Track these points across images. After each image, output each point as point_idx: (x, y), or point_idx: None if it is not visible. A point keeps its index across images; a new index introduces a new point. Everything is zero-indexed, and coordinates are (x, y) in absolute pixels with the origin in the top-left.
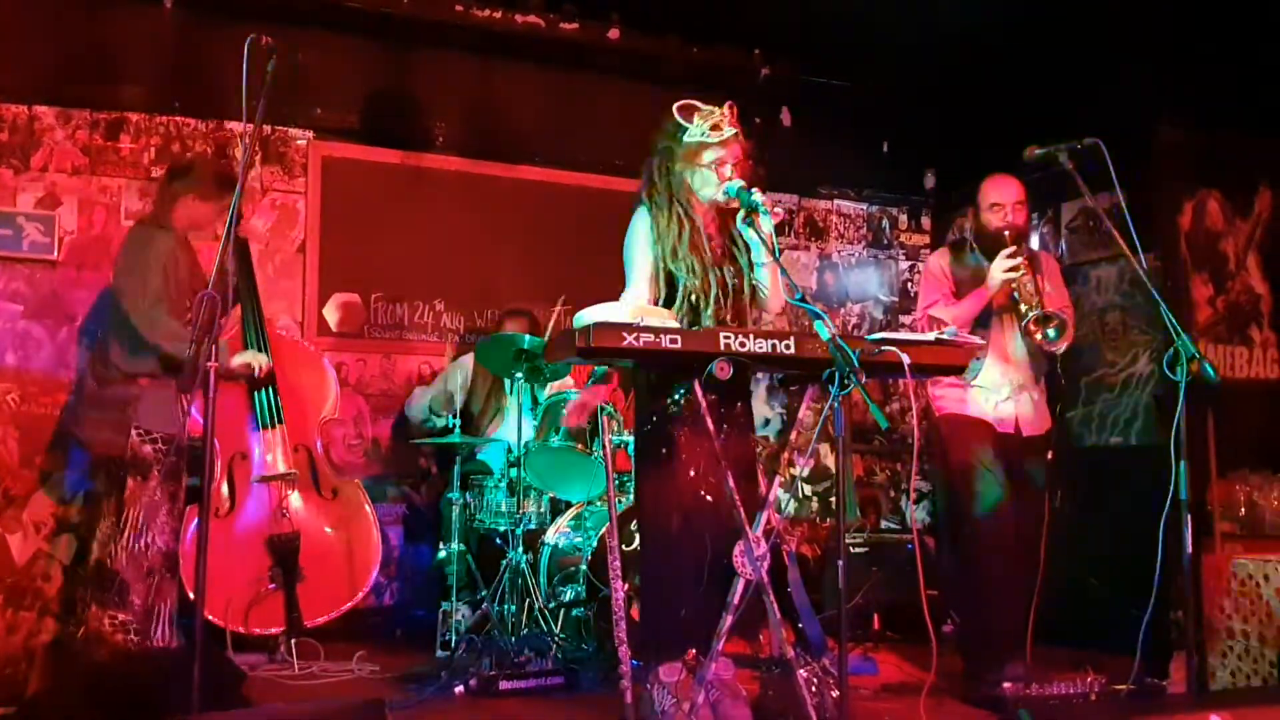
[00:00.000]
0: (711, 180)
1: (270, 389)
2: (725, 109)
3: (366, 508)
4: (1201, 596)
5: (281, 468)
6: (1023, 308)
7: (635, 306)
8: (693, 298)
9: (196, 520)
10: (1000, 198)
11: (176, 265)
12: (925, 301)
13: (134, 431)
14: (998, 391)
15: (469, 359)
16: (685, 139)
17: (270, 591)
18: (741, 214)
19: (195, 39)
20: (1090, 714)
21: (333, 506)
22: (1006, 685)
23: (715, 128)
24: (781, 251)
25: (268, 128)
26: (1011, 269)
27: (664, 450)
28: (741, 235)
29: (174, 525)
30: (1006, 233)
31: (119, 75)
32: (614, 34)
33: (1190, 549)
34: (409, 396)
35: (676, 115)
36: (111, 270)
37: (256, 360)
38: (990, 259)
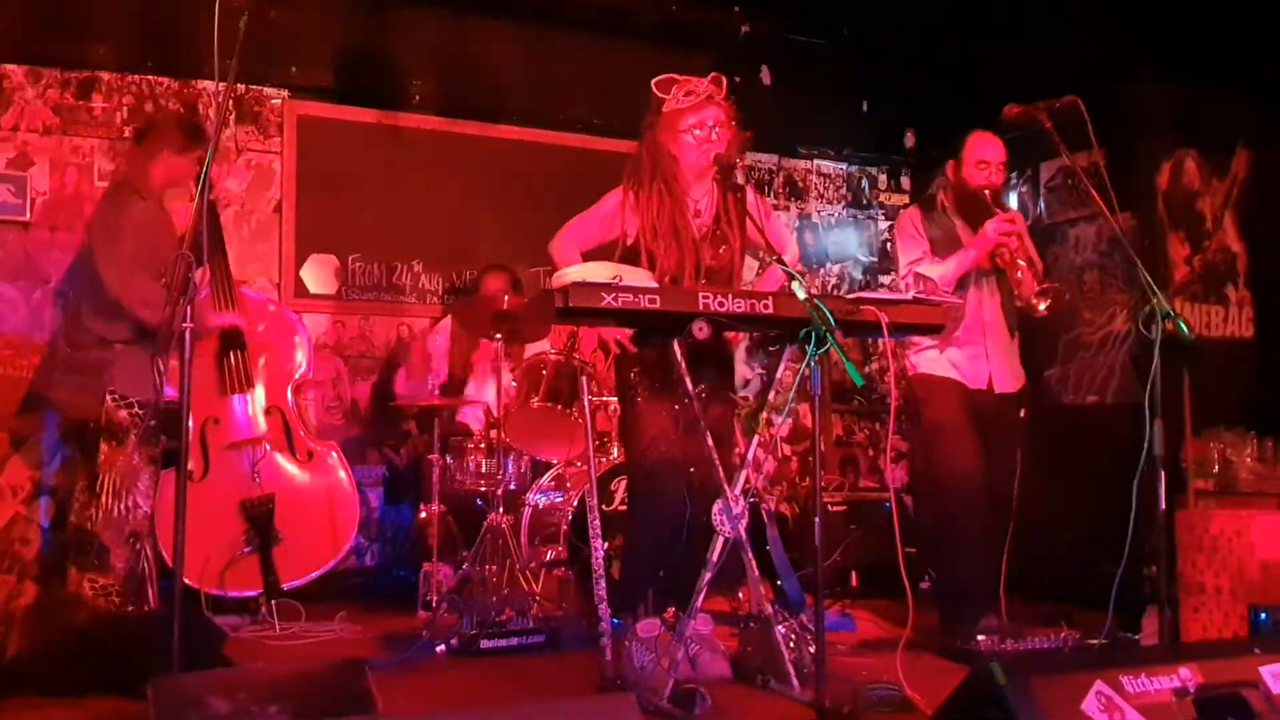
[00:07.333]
0: (691, 148)
1: (240, 351)
2: (709, 81)
3: (341, 470)
4: (1175, 552)
5: (254, 431)
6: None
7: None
8: (667, 278)
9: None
10: (988, 155)
11: (153, 231)
12: (909, 258)
13: (109, 396)
14: (970, 349)
15: (447, 322)
16: (664, 109)
17: (246, 555)
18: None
19: None
20: (1062, 666)
21: (308, 468)
22: (981, 639)
23: (689, 93)
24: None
25: (241, 87)
26: (1007, 233)
27: (641, 412)
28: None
29: (155, 489)
30: (986, 191)
31: (90, 33)
32: None
33: (1164, 505)
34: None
35: (655, 89)
36: (85, 231)
37: (226, 319)
38: (965, 216)
